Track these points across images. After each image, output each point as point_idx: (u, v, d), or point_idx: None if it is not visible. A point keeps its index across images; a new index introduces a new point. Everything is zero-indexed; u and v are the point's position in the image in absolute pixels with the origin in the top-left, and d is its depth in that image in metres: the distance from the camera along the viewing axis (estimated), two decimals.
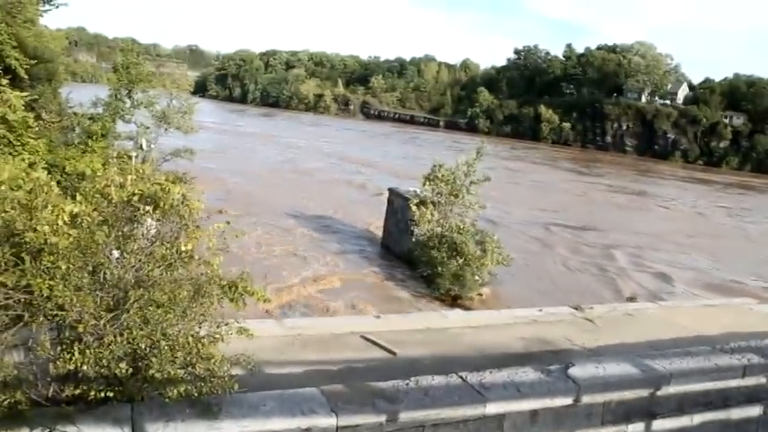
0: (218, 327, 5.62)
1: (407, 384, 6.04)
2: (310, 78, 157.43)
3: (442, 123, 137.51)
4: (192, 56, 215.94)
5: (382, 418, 5.51)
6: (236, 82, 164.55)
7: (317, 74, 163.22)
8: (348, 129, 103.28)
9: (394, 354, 8.02)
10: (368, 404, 5.58)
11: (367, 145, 77.74)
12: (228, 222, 6.49)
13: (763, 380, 8.18)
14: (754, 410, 8.16)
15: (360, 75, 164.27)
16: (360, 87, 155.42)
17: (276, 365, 7.20)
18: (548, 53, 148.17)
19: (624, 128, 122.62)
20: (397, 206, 24.02)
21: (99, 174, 6.48)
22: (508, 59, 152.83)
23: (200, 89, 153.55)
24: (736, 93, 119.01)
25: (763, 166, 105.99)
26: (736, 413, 8.02)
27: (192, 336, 5.37)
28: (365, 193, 38.71)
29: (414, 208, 21.42)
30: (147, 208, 5.73)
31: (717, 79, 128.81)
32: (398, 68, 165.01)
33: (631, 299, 17.91)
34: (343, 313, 17.19)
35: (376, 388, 5.92)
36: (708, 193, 68.38)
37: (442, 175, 21.80)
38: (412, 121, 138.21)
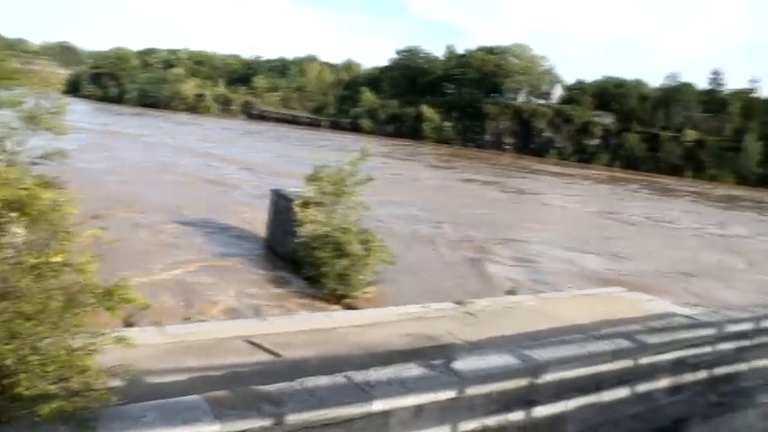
0: (93, 337, 5.40)
1: (293, 386, 6.02)
2: (190, 78, 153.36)
3: (325, 123, 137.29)
4: (64, 53, 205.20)
5: (268, 422, 5.47)
6: (112, 81, 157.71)
7: (197, 73, 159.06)
8: (227, 129, 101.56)
9: (279, 356, 7.97)
10: (253, 408, 5.53)
11: (246, 145, 76.79)
12: (103, 228, 6.27)
13: (630, 363, 8.69)
14: (623, 392, 8.66)
15: (242, 74, 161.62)
16: (242, 87, 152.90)
17: (157, 374, 7.00)
18: (427, 54, 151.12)
19: (503, 126, 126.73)
20: (281, 207, 23.79)
21: None
22: (390, 60, 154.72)
23: (73, 88, 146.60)
24: (605, 94, 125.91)
25: (630, 163, 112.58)
26: (608, 395, 8.49)
27: (66, 348, 5.14)
28: (247, 194, 38.08)
29: (297, 209, 21.29)
30: (13, 215, 5.44)
31: (588, 81, 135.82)
32: (281, 68, 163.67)
33: (511, 292, 18.51)
34: (225, 315, 16.86)
35: (261, 391, 5.87)
36: (561, 185, 73.05)
37: (326, 176, 21.77)
38: (295, 121, 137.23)
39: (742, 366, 10.57)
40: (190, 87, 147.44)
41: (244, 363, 7.68)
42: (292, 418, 5.60)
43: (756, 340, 10.79)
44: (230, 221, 29.14)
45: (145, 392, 6.06)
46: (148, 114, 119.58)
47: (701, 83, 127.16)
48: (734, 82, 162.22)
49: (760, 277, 31.84)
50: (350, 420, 5.94)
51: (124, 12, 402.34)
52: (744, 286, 29.09)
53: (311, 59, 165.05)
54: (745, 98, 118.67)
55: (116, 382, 5.57)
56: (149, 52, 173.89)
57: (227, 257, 23.21)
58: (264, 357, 7.96)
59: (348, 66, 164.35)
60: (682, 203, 68.22)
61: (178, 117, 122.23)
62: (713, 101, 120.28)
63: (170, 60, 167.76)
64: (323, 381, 6.23)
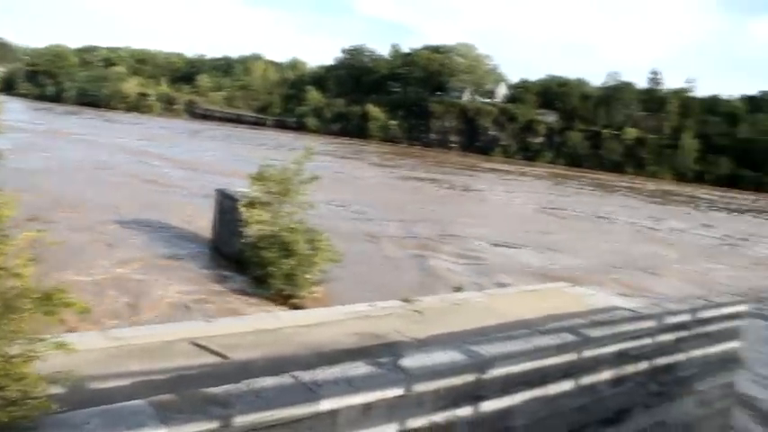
0: (32, 344, 5.25)
1: (239, 388, 5.96)
2: (132, 76, 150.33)
3: (270, 122, 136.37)
4: None
5: (215, 424, 5.39)
6: (50, 79, 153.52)
7: (139, 72, 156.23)
8: (169, 128, 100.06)
9: (226, 358, 7.88)
10: (199, 411, 5.44)
11: (188, 144, 75.82)
12: (41, 230, 6.10)
13: (575, 356, 8.87)
14: (569, 384, 8.83)
15: (185, 73, 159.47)
16: (185, 86, 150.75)
17: (101, 380, 6.85)
18: (372, 53, 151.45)
19: (449, 125, 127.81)
20: (226, 207, 23.53)
21: None
22: (336, 59, 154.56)
23: (8, 86, 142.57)
24: (549, 92, 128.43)
25: (573, 160, 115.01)
26: (553, 388, 8.64)
27: (2, 356, 4.98)
28: (189, 194, 37.47)
29: (243, 209, 21.08)
30: None
31: (532, 79, 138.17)
32: (225, 67, 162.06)
33: (457, 289, 18.65)
34: (170, 316, 16.60)
35: (207, 394, 5.79)
36: (505, 182, 75.25)
37: (271, 175, 21.59)
38: (240, 120, 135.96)
39: (680, 356, 10.89)
40: (131, 86, 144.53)
41: (190, 365, 7.57)
42: (239, 420, 5.54)
43: (694, 331, 11.13)
44: (174, 222, 28.70)
45: (87, 399, 5.93)
46: (88, 114, 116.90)
47: (641, 82, 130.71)
48: (671, 81, 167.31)
49: (691, 268, 33.08)
50: (297, 420, 5.91)
51: (61, 7, 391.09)
52: (678, 276, 30.20)
53: (256, 58, 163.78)
54: (682, 97, 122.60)
55: (57, 390, 5.42)
56: (89, 50, 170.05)
57: (172, 258, 22.85)
58: (211, 359, 7.87)
59: (293, 64, 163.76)
60: (621, 199, 70.08)
61: (119, 116, 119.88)
62: (652, 100, 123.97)
63: (111, 58, 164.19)
64: (270, 381, 6.17)
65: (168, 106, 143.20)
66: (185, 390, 5.96)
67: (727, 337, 12.14)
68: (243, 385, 6.01)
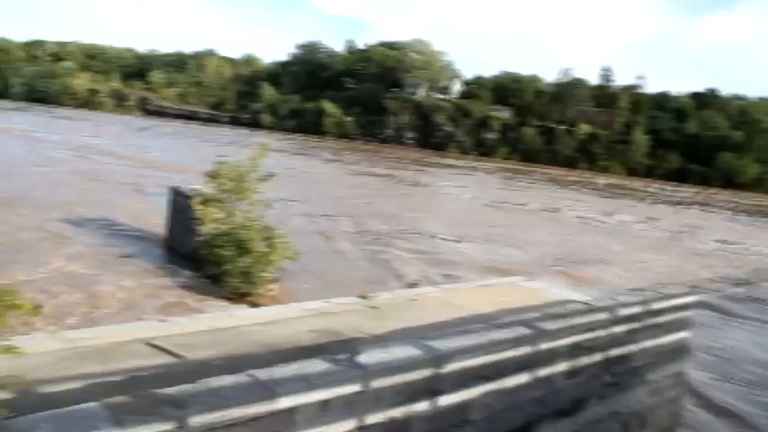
0: None
1: (195, 387, 5.89)
2: (82, 72, 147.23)
3: (225, 119, 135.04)
4: None
5: (170, 425, 5.32)
6: None
7: (89, 67, 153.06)
8: (120, 125, 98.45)
9: (181, 357, 7.78)
10: (154, 413, 5.36)
11: (140, 141, 74.50)
12: None
13: (530, 349, 8.99)
14: (524, 377, 8.95)
15: (137, 69, 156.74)
16: (137, 82, 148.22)
17: (52, 383, 6.69)
18: (328, 49, 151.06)
19: (404, 121, 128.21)
20: (180, 205, 23.18)
21: None
22: (290, 55, 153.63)
23: None
24: (503, 89, 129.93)
25: (528, 155, 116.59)
26: (510, 381, 8.74)
27: None
28: (140, 191, 36.83)
29: (197, 206, 20.80)
30: None
31: (486, 76, 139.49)
32: (178, 63, 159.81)
33: (413, 284, 18.73)
34: (125, 317, 16.31)
35: (162, 395, 5.71)
36: (459, 177, 76.40)
37: (226, 172, 21.35)
38: (194, 116, 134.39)
39: (633, 347, 11.12)
40: (81, 82, 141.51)
41: (145, 366, 7.46)
42: (196, 420, 5.47)
43: (645, 322, 11.38)
44: (127, 220, 28.17)
45: (38, 403, 5.79)
46: (35, 110, 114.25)
47: (593, 79, 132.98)
48: (622, 78, 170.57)
49: (636, 258, 34.06)
50: (255, 419, 5.87)
51: None
52: (622, 267, 30.89)
53: (209, 54, 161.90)
54: (632, 94, 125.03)
55: (5, 395, 5.29)
56: (36, 44, 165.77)
57: (126, 257, 22.44)
58: (166, 359, 7.76)
59: (247, 60, 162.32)
60: (572, 193, 71.33)
61: (69, 113, 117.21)
62: (604, 96, 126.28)
63: (59, 53, 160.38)
64: (226, 380, 6.12)
65: (120, 102, 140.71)
66: (140, 391, 5.86)
67: (677, 327, 12.43)
68: (199, 385, 5.95)
